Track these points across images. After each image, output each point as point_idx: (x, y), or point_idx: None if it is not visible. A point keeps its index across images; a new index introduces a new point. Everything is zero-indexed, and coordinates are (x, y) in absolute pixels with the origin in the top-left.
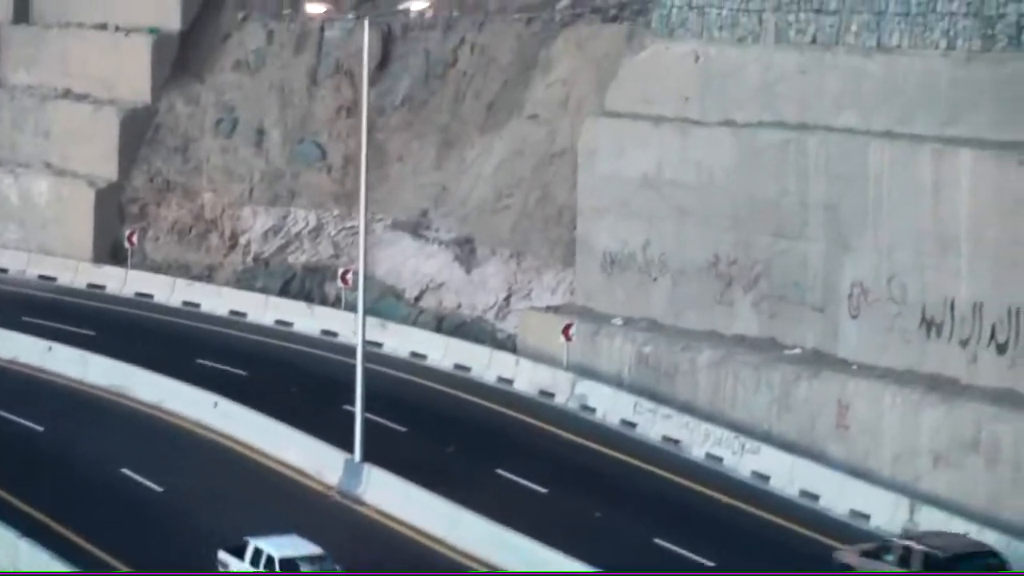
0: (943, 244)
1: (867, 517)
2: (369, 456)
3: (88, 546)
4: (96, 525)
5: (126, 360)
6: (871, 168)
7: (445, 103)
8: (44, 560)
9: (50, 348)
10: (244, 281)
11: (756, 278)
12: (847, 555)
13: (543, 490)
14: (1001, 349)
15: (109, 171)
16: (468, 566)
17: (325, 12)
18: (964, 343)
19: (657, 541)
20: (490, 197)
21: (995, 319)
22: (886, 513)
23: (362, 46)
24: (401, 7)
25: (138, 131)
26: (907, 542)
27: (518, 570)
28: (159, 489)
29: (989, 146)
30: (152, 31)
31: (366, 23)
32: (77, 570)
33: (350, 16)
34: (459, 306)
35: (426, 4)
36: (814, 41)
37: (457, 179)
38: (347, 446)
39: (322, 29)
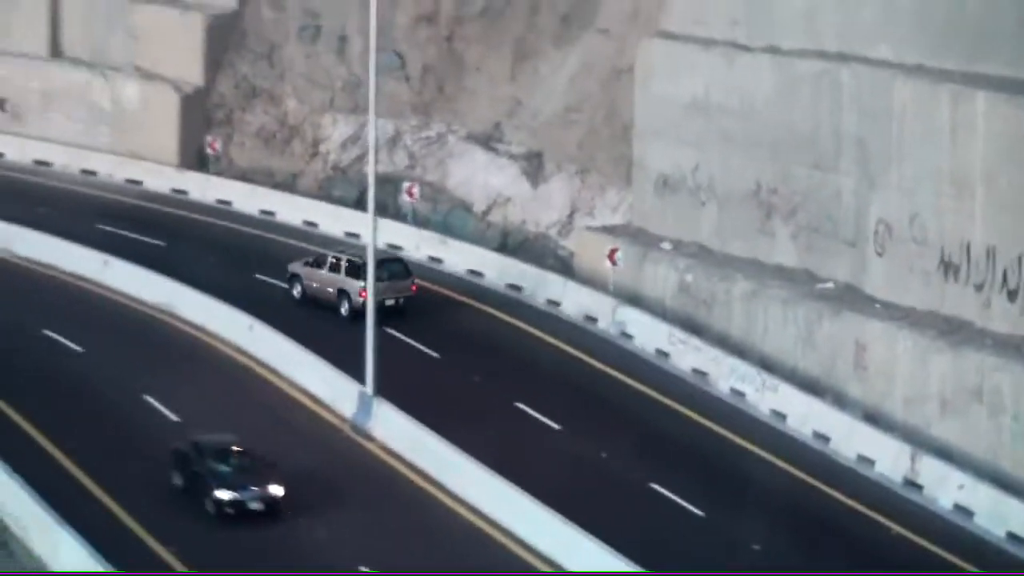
0: (959, 186)
1: (872, 463)
2: (398, 382)
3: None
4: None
5: (183, 276)
6: (896, 104)
7: (521, 14)
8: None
9: (106, 262)
10: (325, 189)
11: (795, 209)
12: (295, 266)
13: (556, 427)
14: (1012, 296)
15: (195, 76)
16: (459, 513)
17: None
18: (979, 288)
19: (653, 486)
20: (560, 111)
21: (1007, 265)
22: (889, 460)
23: None
24: None
25: (224, 36)
26: (336, 254)
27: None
28: (175, 419)
29: (1007, 87)
30: None
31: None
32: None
33: None
34: (524, 222)
35: None
36: None
37: (530, 92)
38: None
39: None
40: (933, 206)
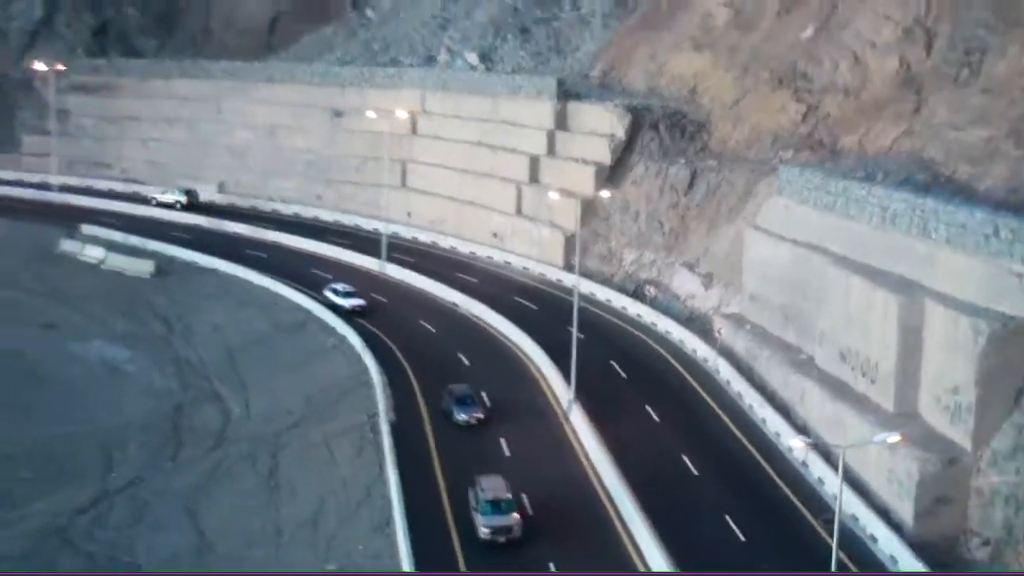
0: (847, 322)
1: (790, 449)
2: (597, 387)
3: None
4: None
5: (533, 326)
6: (829, 278)
7: (712, 204)
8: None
9: (455, 305)
10: (621, 284)
11: (796, 315)
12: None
13: (657, 419)
14: (864, 375)
15: (572, 226)
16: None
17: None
18: (853, 368)
19: (683, 456)
20: (722, 257)
21: (861, 362)
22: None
23: (684, 180)
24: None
25: (585, 209)
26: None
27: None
28: (468, 363)
29: (892, 278)
30: (596, 164)
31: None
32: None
33: (681, 162)
34: (699, 308)
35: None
36: (833, 207)
37: (713, 244)
38: (585, 390)
39: (666, 171)
40: (839, 329)
